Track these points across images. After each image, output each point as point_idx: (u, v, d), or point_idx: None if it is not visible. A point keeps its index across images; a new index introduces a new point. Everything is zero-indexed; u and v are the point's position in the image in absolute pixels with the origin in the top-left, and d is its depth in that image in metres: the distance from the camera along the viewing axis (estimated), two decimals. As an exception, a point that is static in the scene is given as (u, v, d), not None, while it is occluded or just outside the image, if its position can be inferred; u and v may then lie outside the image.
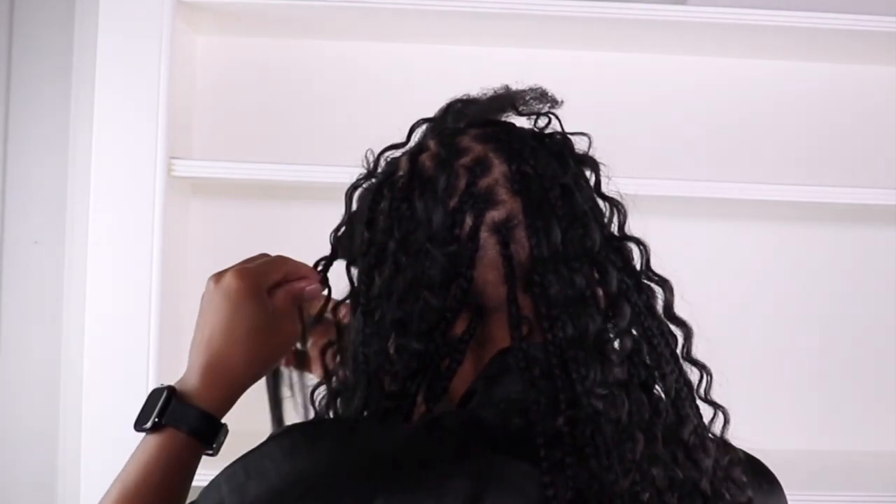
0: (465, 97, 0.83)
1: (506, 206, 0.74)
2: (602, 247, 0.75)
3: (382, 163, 0.81)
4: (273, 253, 0.85)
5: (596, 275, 0.74)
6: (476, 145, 0.76)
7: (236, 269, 0.81)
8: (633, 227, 0.81)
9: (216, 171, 1.42)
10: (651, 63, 1.62)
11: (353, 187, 0.82)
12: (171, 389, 0.78)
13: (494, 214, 0.74)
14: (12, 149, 1.52)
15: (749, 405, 1.63)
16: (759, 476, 0.81)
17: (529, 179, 0.74)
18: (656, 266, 0.80)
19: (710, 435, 0.76)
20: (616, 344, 0.73)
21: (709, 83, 1.63)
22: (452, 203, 0.74)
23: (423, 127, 0.82)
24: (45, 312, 1.52)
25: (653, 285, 0.78)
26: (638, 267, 0.78)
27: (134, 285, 1.35)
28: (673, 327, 0.79)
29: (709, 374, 0.79)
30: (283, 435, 0.69)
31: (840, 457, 1.62)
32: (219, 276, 0.80)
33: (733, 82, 1.64)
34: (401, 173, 0.77)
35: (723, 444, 0.78)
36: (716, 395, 0.81)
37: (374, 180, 0.80)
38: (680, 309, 0.80)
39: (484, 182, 0.74)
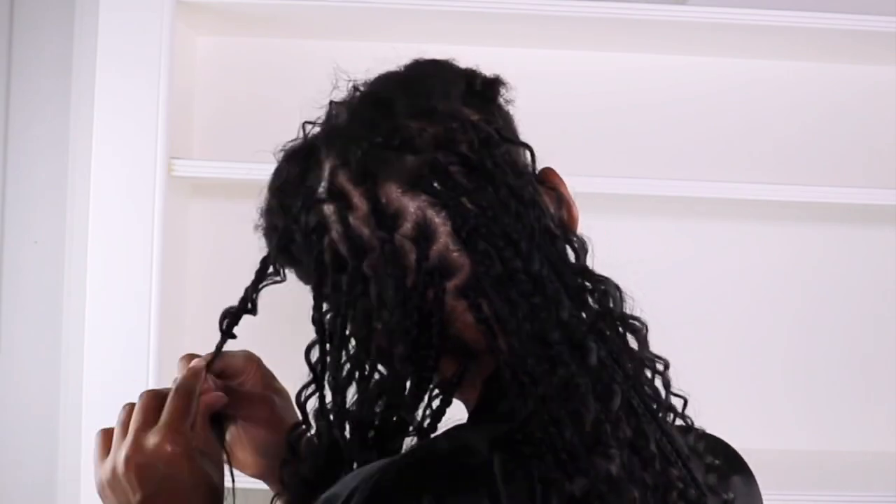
0: (338, 109, 0.77)
1: (464, 270, 0.67)
2: (571, 316, 0.66)
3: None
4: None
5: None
6: (408, 202, 0.67)
7: (163, 433, 0.71)
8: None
9: (216, 171, 1.42)
10: (651, 63, 1.61)
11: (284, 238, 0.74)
12: None
13: (456, 282, 0.67)
14: (12, 149, 1.52)
15: (749, 405, 1.64)
16: (735, 467, 0.78)
17: (476, 240, 0.66)
18: (601, 265, 0.72)
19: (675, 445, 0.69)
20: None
21: (709, 83, 1.63)
22: (410, 281, 0.66)
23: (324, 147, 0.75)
24: (45, 312, 1.52)
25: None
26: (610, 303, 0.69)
27: (134, 285, 1.35)
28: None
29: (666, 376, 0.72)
30: None
31: (840, 457, 1.62)
32: (137, 446, 0.71)
33: (733, 82, 1.63)
34: (334, 235, 0.69)
35: (694, 445, 0.73)
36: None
37: (295, 225, 0.72)
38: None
39: (434, 251, 0.67)
